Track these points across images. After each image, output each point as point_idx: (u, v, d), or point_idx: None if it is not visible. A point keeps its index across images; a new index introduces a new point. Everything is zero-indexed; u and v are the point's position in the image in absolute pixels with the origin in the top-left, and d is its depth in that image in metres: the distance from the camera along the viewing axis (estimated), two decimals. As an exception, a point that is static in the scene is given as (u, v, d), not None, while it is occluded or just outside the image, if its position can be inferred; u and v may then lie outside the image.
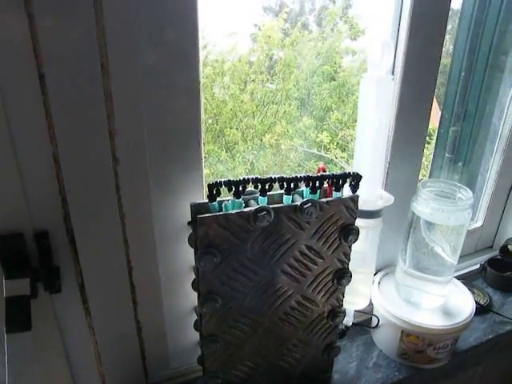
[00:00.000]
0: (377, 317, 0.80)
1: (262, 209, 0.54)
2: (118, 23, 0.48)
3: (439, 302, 0.78)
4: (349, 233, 0.60)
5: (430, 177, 1.26)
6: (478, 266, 1.05)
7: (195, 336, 0.70)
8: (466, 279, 1.02)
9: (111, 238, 0.59)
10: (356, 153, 0.64)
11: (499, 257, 1.06)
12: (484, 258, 1.08)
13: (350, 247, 0.62)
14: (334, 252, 0.62)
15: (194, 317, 0.69)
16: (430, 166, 1.32)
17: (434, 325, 0.73)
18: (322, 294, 0.65)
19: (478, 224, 1.09)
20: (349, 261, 0.64)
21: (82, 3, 0.46)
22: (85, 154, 0.53)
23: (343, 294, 0.67)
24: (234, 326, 0.62)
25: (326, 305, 0.66)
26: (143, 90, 0.53)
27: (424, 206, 0.70)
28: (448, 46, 1.22)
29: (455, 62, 1.09)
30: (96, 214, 0.57)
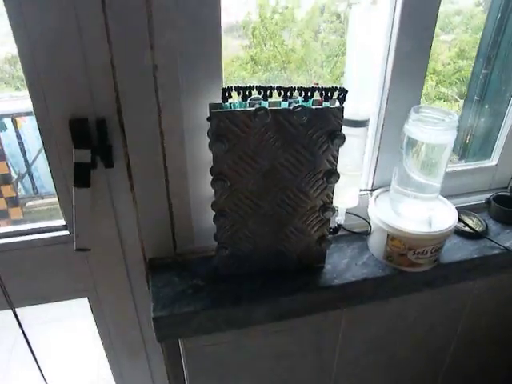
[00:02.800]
0: (369, 224, 0.94)
1: (260, 108, 0.69)
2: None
3: (423, 216, 0.90)
4: (335, 137, 0.74)
5: (461, 118, 1.34)
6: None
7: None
8: (472, 210, 1.11)
9: (151, 127, 0.78)
10: (346, 73, 0.76)
11: (508, 194, 1.14)
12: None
13: (337, 150, 0.76)
14: (324, 153, 0.76)
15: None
16: (461, 109, 1.39)
17: (414, 230, 0.86)
18: (314, 189, 0.80)
19: (493, 163, 1.16)
20: (337, 163, 0.77)
21: None
22: (132, 60, 0.71)
23: (333, 192, 0.81)
24: (239, 205, 0.79)
25: (318, 200, 0.81)
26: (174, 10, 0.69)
27: (412, 126, 0.82)
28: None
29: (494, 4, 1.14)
30: (140, 108, 0.75)
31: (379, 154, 0.95)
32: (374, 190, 0.98)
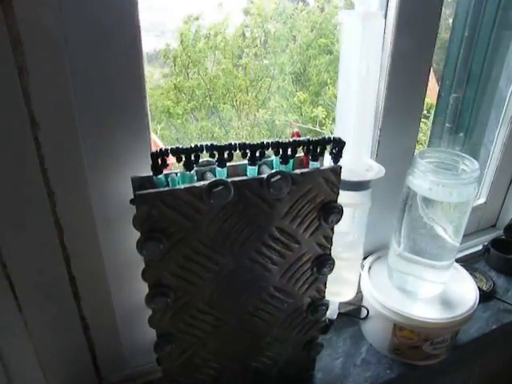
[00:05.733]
0: (366, 308, 0.70)
1: (217, 183, 0.43)
2: None
3: (438, 291, 0.68)
4: (330, 211, 0.49)
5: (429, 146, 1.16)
6: (480, 248, 0.95)
7: (154, 331, 0.60)
8: (467, 262, 0.92)
9: (39, 219, 0.48)
10: (338, 114, 0.52)
11: (503, 237, 0.96)
12: (486, 238, 0.98)
13: (331, 229, 0.52)
14: (313, 235, 0.51)
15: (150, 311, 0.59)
16: (428, 138, 1.22)
17: (432, 318, 0.63)
18: (300, 284, 0.54)
19: (481, 201, 0.98)
20: (331, 245, 0.53)
21: None
22: (-5, 115, 0.42)
23: (325, 285, 0.56)
24: (192, 323, 0.52)
25: (305, 297, 0.56)
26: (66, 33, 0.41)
27: (421, 179, 0.60)
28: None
29: (458, 18, 0.97)
30: (16, 190, 0.46)
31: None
32: (363, 259, 0.75)
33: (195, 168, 0.45)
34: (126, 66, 0.46)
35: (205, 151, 0.44)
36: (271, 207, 0.47)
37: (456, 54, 1.01)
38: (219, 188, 0.43)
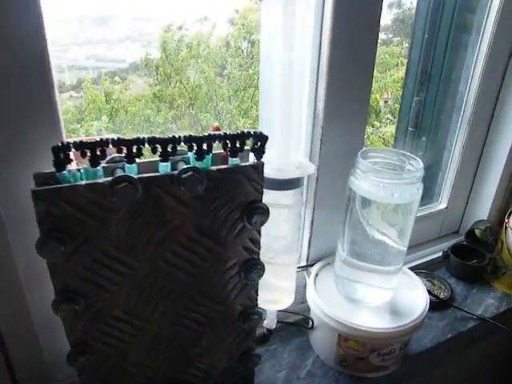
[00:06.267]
0: (310, 318, 0.67)
1: (121, 179, 0.39)
2: None
3: (386, 298, 0.65)
4: (253, 212, 0.46)
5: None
6: (440, 254, 0.93)
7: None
8: (427, 269, 0.90)
9: None
10: (261, 109, 0.49)
11: (465, 243, 0.94)
12: (448, 244, 0.95)
13: (258, 231, 0.48)
14: (238, 237, 0.48)
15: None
16: (393, 143, 1.20)
17: (377, 327, 0.60)
18: (228, 290, 0.51)
19: (443, 206, 0.96)
20: (259, 249, 0.50)
21: None
22: None
23: (256, 291, 0.53)
24: (108, 332, 0.48)
25: (235, 305, 0.53)
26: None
27: (362, 179, 0.57)
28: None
29: (418, 20, 0.96)
30: None
31: (314, 216, 0.69)
32: (310, 266, 0.71)
33: (103, 164, 0.42)
34: (32, 65, 0.42)
35: (111, 145, 0.41)
36: (186, 206, 0.44)
37: (417, 56, 1.00)
38: (123, 185, 0.39)
